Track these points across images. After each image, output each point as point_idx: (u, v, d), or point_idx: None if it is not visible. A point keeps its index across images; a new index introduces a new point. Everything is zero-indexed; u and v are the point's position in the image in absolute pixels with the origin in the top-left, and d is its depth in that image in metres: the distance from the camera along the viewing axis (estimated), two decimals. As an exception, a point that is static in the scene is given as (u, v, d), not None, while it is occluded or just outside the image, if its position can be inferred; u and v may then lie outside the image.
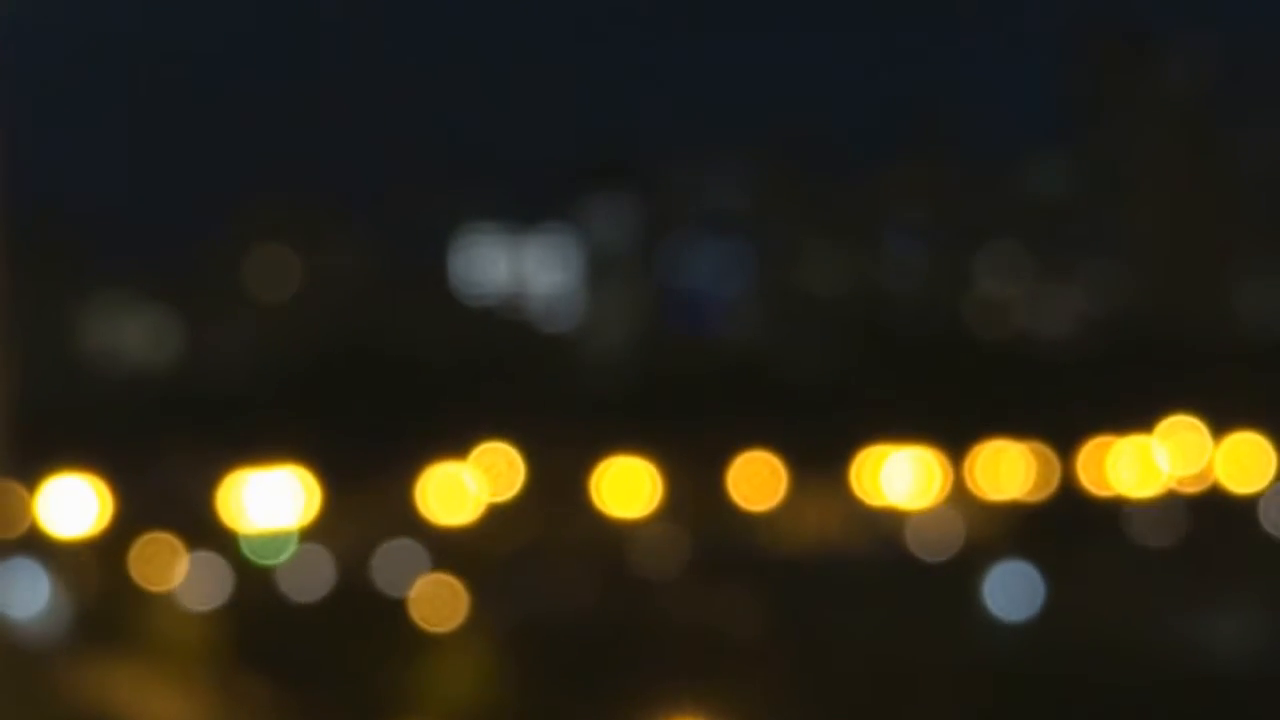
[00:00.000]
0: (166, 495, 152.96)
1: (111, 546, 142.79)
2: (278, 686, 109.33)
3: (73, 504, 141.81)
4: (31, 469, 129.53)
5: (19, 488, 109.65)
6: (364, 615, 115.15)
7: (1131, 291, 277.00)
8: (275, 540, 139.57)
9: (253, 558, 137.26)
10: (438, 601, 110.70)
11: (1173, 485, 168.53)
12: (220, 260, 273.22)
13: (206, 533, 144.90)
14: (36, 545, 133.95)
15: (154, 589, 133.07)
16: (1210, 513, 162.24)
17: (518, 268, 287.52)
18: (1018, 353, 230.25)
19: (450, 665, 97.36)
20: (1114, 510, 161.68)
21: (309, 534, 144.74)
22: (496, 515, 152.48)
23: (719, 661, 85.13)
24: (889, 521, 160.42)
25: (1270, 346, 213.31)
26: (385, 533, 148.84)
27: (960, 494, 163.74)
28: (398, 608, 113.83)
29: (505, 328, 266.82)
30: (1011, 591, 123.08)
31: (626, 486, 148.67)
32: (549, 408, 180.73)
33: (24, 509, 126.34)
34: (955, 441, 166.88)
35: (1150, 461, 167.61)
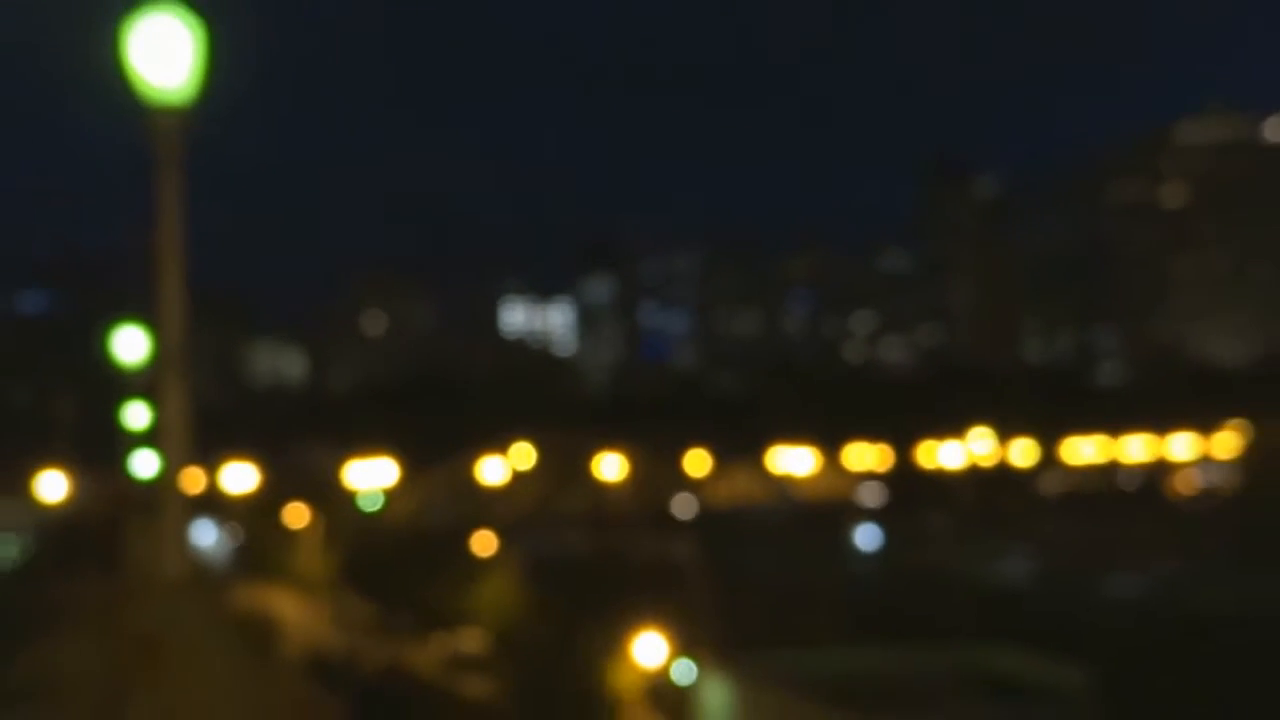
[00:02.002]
0: (298, 471, 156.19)
1: (261, 505, 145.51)
2: (373, 597, 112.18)
3: (239, 476, 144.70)
4: (212, 454, 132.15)
5: (200, 468, 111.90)
6: (429, 548, 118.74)
7: (949, 340, 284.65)
8: (373, 498, 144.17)
9: (363, 508, 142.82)
10: (484, 541, 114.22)
11: (974, 464, 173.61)
12: (336, 315, 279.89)
13: (329, 495, 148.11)
14: (212, 505, 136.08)
15: (290, 530, 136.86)
16: (999, 484, 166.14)
17: (539, 320, 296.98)
18: (873, 379, 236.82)
19: (490, 588, 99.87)
20: (935, 481, 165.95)
21: (392, 496, 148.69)
22: (521, 482, 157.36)
23: (670, 583, 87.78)
24: (785, 488, 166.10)
25: (1044, 378, 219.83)
26: (442, 496, 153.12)
27: (835, 471, 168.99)
28: (459, 536, 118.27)
29: (529, 359, 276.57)
30: (866, 537, 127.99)
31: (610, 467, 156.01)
32: (557, 413, 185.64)
33: (204, 481, 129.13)
34: (832, 438, 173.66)
35: (960, 450, 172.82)
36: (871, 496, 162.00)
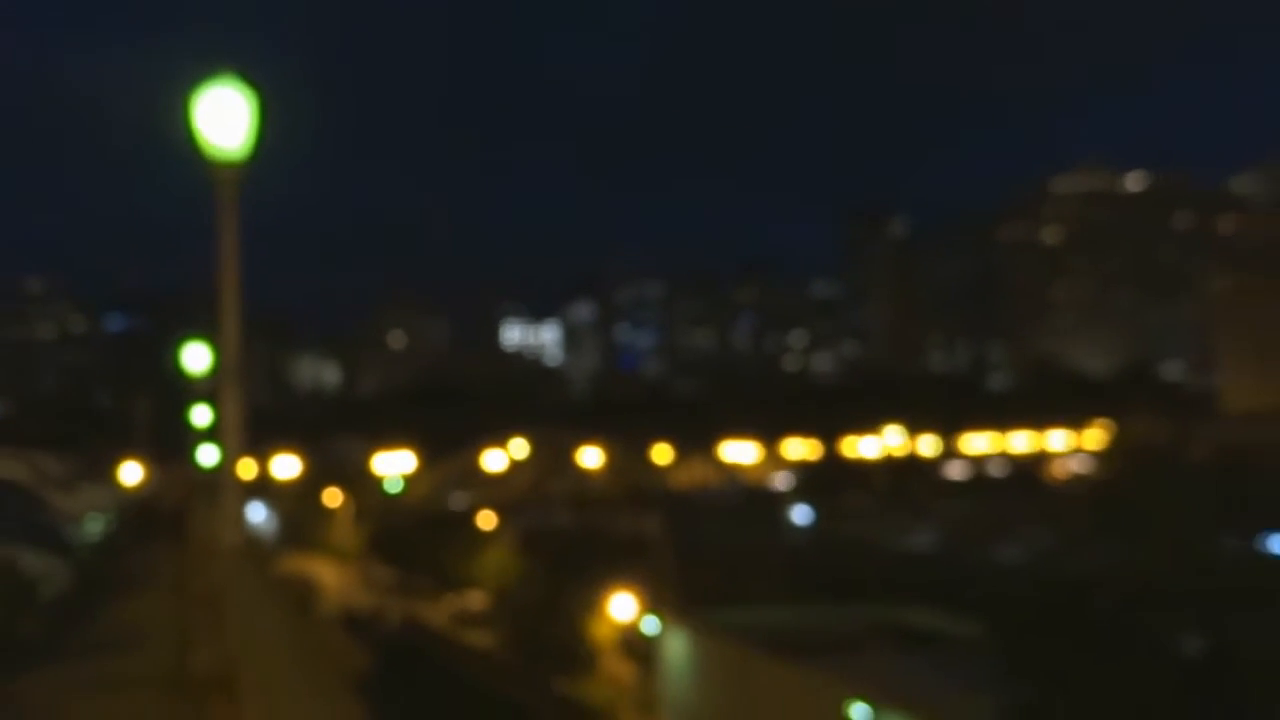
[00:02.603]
0: (333, 461, 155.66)
1: (303, 489, 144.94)
2: (395, 564, 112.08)
3: (285, 465, 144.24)
4: (263, 447, 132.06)
5: (253, 459, 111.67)
6: (441, 523, 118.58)
7: (868, 353, 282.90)
8: (395, 482, 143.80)
9: (387, 491, 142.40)
10: (486, 518, 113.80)
11: (888, 454, 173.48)
12: (365, 332, 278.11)
13: (359, 480, 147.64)
14: (263, 489, 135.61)
15: (327, 509, 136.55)
16: (909, 470, 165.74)
17: (532, 337, 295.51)
18: (805, 386, 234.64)
19: (490, 557, 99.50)
20: (856, 468, 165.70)
21: (411, 481, 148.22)
22: (517, 469, 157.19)
23: (640, 553, 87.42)
24: (734, 474, 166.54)
25: (945, 384, 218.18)
26: (452, 481, 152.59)
27: (774, 461, 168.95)
28: (461, 515, 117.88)
29: (524, 369, 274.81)
30: (800, 513, 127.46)
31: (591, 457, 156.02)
32: (547, 413, 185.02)
33: (256, 469, 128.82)
34: (772, 434, 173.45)
35: (876, 443, 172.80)
36: (784, 482, 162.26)
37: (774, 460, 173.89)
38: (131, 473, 75.24)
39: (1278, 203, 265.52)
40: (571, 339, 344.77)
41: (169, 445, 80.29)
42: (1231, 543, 36.21)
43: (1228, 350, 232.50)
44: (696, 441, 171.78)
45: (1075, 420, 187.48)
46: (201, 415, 50.36)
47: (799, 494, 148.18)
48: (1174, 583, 30.99)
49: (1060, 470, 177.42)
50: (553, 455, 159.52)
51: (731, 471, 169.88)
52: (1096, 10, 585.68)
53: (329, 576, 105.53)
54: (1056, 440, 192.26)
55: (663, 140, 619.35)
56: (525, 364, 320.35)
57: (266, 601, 13.09)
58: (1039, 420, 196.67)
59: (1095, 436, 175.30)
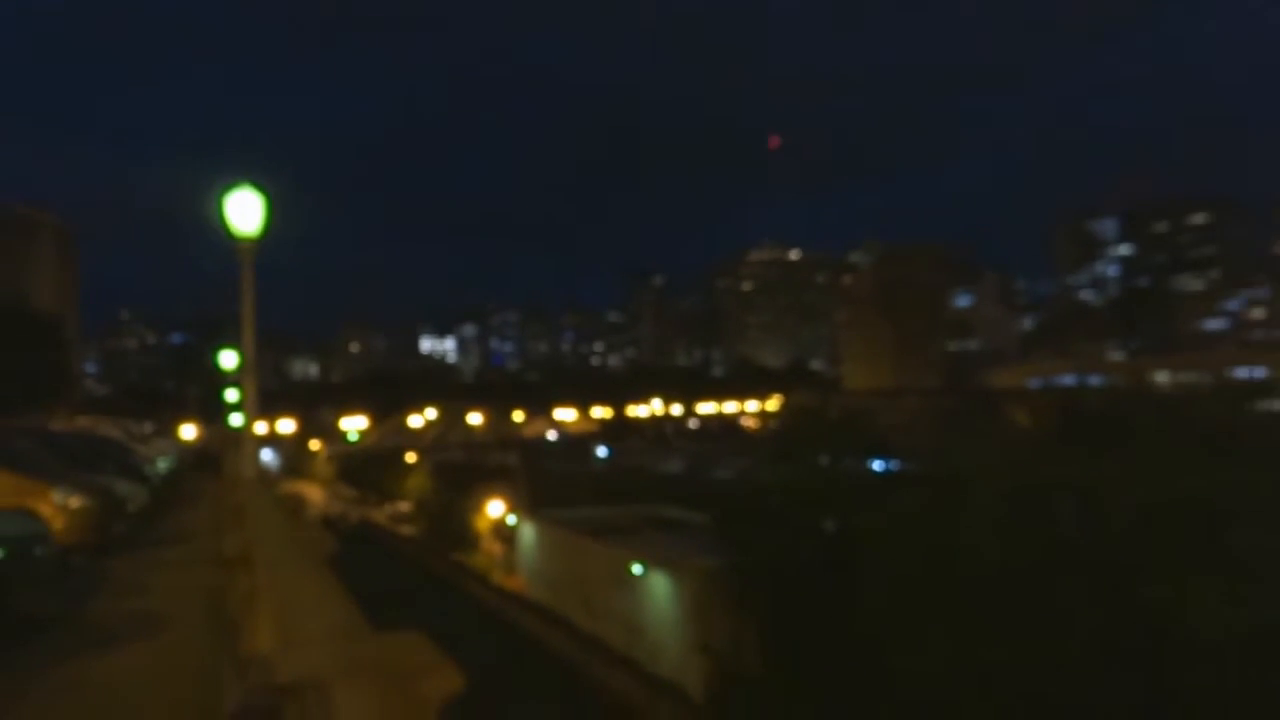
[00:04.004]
0: (316, 423, 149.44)
1: (297, 440, 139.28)
2: (354, 486, 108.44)
3: (286, 425, 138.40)
4: (271, 414, 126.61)
5: (265, 421, 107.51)
6: (383, 459, 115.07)
7: (641, 356, 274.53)
8: (354, 435, 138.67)
9: (349, 440, 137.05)
10: (411, 456, 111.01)
11: (653, 415, 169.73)
12: (335, 343, 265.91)
13: (332, 434, 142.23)
14: (273, 440, 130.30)
15: (312, 452, 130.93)
16: (666, 423, 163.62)
17: (439, 345, 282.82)
18: (604, 376, 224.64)
19: (413, 480, 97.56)
20: (634, 424, 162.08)
21: (364, 434, 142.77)
22: (430, 426, 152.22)
23: (506, 476, 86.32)
24: (563, 428, 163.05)
25: (687, 374, 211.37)
26: (390, 434, 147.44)
27: (586, 420, 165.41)
28: (395, 454, 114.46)
29: (434, 366, 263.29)
30: (602, 451, 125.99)
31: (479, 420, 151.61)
32: (448, 393, 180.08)
33: (268, 428, 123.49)
34: (585, 404, 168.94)
35: (646, 409, 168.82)
36: (553, 435, 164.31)
37: (586, 419, 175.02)
38: (188, 431, 73.89)
39: (873, 267, 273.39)
40: (462, 347, 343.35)
41: (212, 414, 79.31)
42: (851, 464, 37.16)
43: (847, 353, 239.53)
44: (538, 409, 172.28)
45: (762, 395, 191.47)
46: (231, 394, 48.88)
47: (600, 439, 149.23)
48: (818, 489, 31.48)
49: (751, 423, 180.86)
50: (451, 418, 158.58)
51: (560, 427, 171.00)
52: (780, 148, 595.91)
53: (313, 494, 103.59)
54: (751, 406, 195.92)
55: (515, 224, 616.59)
56: (434, 363, 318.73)
57: (272, 510, 12.80)
58: (741, 395, 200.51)
59: (773, 404, 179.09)
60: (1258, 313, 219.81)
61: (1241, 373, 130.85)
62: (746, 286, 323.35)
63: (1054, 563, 17.99)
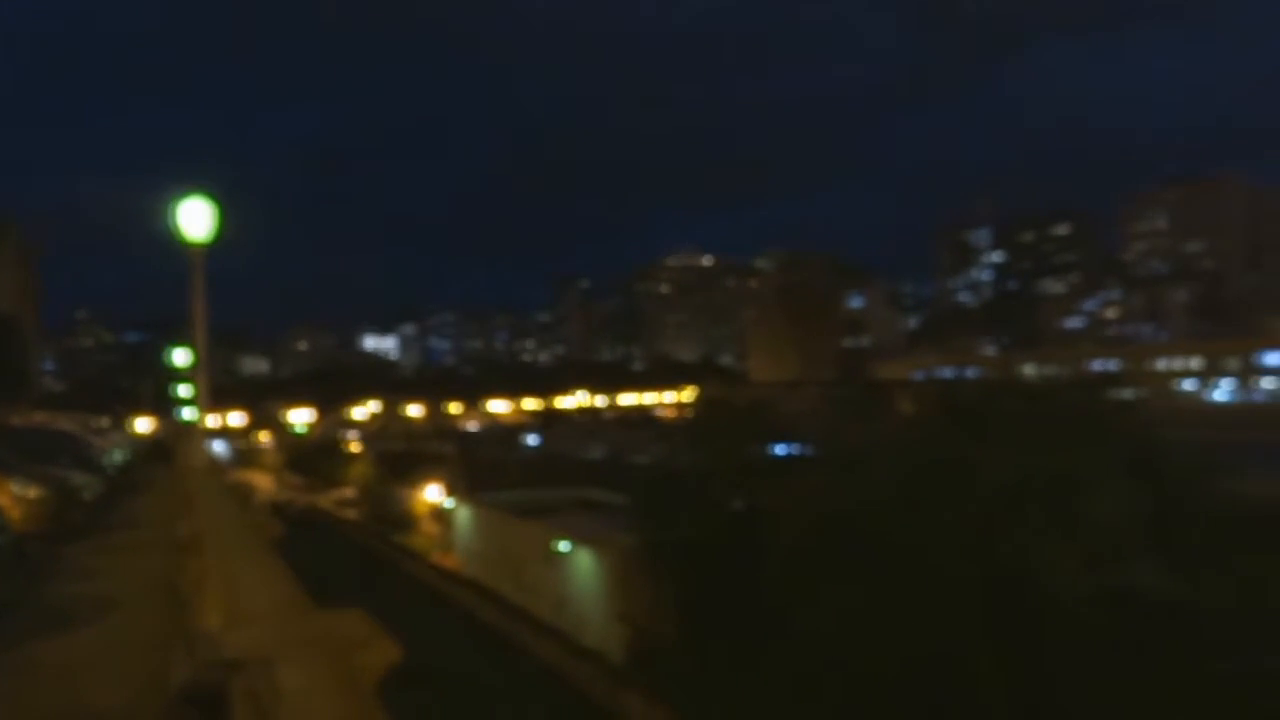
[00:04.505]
0: (265, 415, 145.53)
1: (247, 432, 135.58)
2: (300, 474, 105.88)
3: (236, 418, 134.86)
4: (222, 408, 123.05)
5: (216, 414, 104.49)
6: (328, 449, 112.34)
7: (568, 353, 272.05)
8: (302, 427, 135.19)
9: (297, 432, 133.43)
10: (355, 445, 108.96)
11: (579, 406, 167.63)
12: (283, 341, 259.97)
13: (280, 426, 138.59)
14: (224, 433, 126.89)
15: (261, 443, 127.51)
16: (589, 413, 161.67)
17: (381, 343, 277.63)
18: (534, 370, 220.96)
19: (357, 467, 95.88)
20: (562, 414, 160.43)
21: (311, 426, 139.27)
22: (372, 418, 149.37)
23: (443, 462, 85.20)
24: (495, 419, 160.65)
25: (607, 367, 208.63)
26: (335, 426, 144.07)
27: (519, 411, 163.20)
28: (340, 444, 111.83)
29: (376, 362, 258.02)
30: (532, 439, 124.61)
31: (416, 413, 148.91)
32: (389, 387, 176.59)
33: (219, 421, 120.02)
34: (516, 397, 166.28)
35: (572, 400, 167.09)
36: (468, 427, 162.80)
37: (518, 410, 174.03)
38: (142, 425, 71.61)
39: (776, 272, 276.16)
40: (404, 344, 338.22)
41: (165, 408, 77.00)
42: (756, 449, 37.49)
43: (753, 349, 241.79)
44: (473, 402, 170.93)
45: (677, 387, 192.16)
46: (184, 390, 47.54)
47: (531, 428, 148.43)
48: (727, 471, 31.70)
49: (667, 413, 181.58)
50: (393, 410, 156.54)
51: (493, 418, 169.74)
52: (696, 164, 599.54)
53: (262, 482, 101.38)
54: (668, 397, 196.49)
55: (452, 233, 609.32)
56: (377, 359, 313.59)
57: (221, 497, 12.51)
58: (659, 387, 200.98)
59: (688, 395, 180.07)
60: (1111, 312, 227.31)
61: (1097, 365, 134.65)
62: (664, 289, 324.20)
63: (931, 531, 18.43)
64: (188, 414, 48.00)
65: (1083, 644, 16.63)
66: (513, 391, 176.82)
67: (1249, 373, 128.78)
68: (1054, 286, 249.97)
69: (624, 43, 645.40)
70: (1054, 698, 17.34)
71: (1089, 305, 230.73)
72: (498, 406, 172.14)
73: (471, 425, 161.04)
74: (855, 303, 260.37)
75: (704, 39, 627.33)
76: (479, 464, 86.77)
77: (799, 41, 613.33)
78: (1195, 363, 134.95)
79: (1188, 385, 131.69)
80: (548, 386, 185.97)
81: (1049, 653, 17.19)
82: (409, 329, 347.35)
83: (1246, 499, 18.34)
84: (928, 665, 18.78)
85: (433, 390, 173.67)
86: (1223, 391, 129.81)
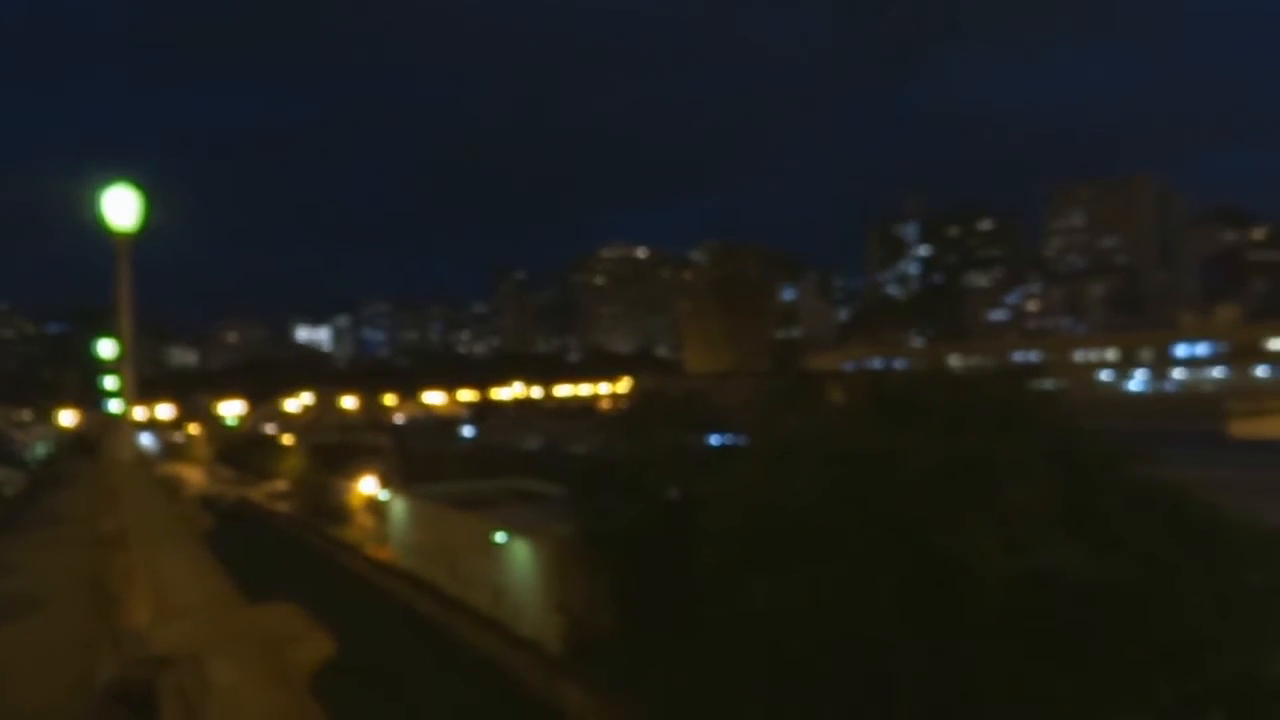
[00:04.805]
0: (195, 407, 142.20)
1: (176, 424, 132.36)
2: (232, 467, 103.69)
3: (164, 411, 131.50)
4: (150, 400, 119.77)
5: (144, 407, 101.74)
6: (260, 442, 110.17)
7: (505, 344, 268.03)
8: (232, 419, 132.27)
9: (228, 424, 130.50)
10: (287, 437, 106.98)
11: (515, 398, 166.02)
12: (213, 331, 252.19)
13: (210, 418, 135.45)
14: (151, 426, 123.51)
15: (191, 435, 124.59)
16: (526, 405, 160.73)
17: (314, 335, 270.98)
18: (470, 362, 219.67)
19: (290, 459, 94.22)
20: (498, 406, 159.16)
21: (242, 419, 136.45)
22: (306, 411, 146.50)
23: (378, 454, 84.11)
24: (430, 410, 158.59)
25: (543, 359, 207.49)
26: (267, 418, 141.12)
27: (454, 402, 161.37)
28: (273, 438, 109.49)
29: (309, 354, 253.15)
30: (468, 430, 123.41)
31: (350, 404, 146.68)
32: (322, 379, 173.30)
33: (146, 414, 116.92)
34: (452, 388, 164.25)
35: (508, 392, 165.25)
36: (402, 419, 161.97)
37: (454, 401, 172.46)
38: (67, 418, 69.51)
39: (710, 264, 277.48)
40: (337, 336, 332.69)
41: (90, 400, 74.77)
42: (692, 439, 37.52)
43: (688, 340, 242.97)
44: (408, 393, 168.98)
45: (613, 378, 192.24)
46: (110, 382, 46.24)
47: (467, 420, 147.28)
48: (663, 462, 31.77)
49: (607, 404, 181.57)
50: (326, 401, 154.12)
51: (428, 409, 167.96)
52: (628, 162, 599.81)
53: (192, 475, 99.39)
54: (604, 388, 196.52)
55: (388, 225, 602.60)
56: (309, 351, 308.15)
57: (149, 491, 12.18)
58: (594, 378, 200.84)
59: (623, 386, 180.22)
60: (1032, 306, 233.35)
61: (1019, 357, 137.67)
62: (599, 281, 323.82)
63: (859, 518, 18.69)
64: (113, 406, 46.72)
65: (1003, 625, 16.99)
66: (448, 383, 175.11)
67: (1161, 364, 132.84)
68: (978, 280, 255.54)
69: (559, 40, 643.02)
70: (973, 678, 17.72)
71: (1011, 299, 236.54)
72: (433, 398, 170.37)
73: (400, 418, 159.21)
74: (788, 295, 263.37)
75: (639, 36, 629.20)
76: (414, 456, 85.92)
77: (732, 38, 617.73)
78: (1111, 354, 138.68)
79: (1105, 376, 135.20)
80: (483, 378, 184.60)
81: (970, 634, 17.54)
82: (342, 320, 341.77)
83: (1157, 484, 18.91)
84: (855, 649, 19.08)
85: (367, 382, 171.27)
86: (1137, 382, 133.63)
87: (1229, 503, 18.89)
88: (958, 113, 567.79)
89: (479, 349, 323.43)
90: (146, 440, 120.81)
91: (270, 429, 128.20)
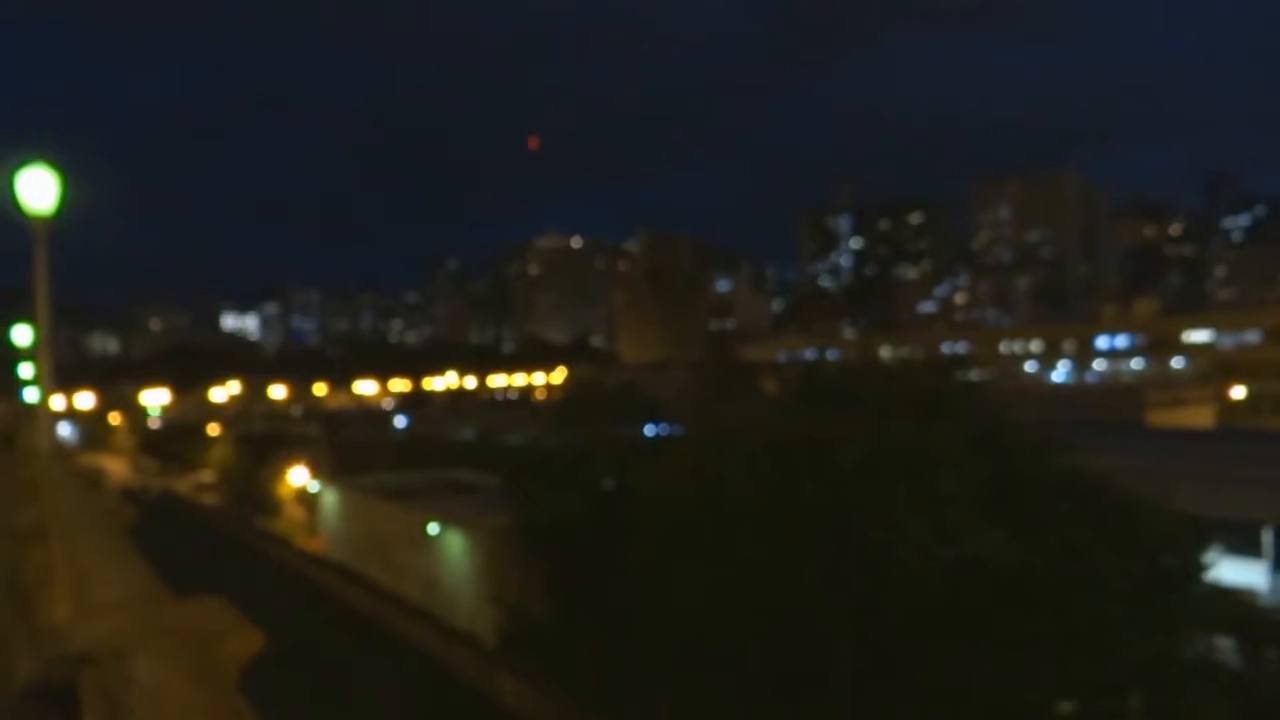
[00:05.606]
0: (116, 397, 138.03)
1: (96, 414, 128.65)
2: (156, 458, 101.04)
3: (83, 400, 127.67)
4: (69, 389, 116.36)
5: (63, 395, 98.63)
6: (185, 431, 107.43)
7: (436, 333, 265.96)
8: (156, 409, 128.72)
9: (149, 412, 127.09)
10: (213, 428, 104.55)
11: (449, 388, 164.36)
12: (136, 317, 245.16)
13: (132, 408, 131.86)
14: (71, 415, 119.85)
15: (112, 426, 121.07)
16: (461, 395, 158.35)
17: (242, 322, 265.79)
18: (402, 351, 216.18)
19: (216, 450, 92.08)
20: (430, 397, 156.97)
21: (166, 408, 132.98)
22: (233, 401, 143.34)
23: (308, 444, 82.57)
24: (362, 400, 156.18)
25: (478, 350, 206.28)
26: (192, 408, 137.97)
27: (386, 392, 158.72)
28: (203, 430, 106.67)
29: (236, 342, 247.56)
30: (400, 420, 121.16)
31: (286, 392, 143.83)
32: (251, 369, 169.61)
33: (65, 403, 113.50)
34: (384, 378, 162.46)
35: (442, 382, 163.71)
36: (389, 404, 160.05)
37: (386, 392, 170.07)
38: (-22, 407, 67.37)
39: (644, 254, 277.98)
40: (266, 324, 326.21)
41: (4, 389, 72.39)
42: (628, 430, 37.44)
43: (623, 330, 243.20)
44: (340, 382, 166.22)
45: (548, 368, 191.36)
46: (26, 370, 44.74)
47: (399, 410, 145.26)
48: (598, 451, 31.74)
49: (544, 395, 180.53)
50: (254, 391, 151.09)
51: (360, 399, 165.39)
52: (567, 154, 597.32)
53: (114, 467, 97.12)
54: (539, 379, 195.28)
55: (319, 212, 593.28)
56: (237, 339, 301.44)
57: (68, 483, 11.80)
58: (529, 368, 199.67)
59: (558, 376, 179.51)
60: (960, 298, 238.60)
61: (948, 348, 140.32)
62: (533, 270, 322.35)
63: (793, 506, 18.92)
64: (30, 395, 45.27)
65: (930, 609, 17.35)
66: (380, 373, 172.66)
67: (1084, 355, 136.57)
68: (909, 273, 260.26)
69: (490, 30, 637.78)
70: (901, 662, 18.11)
71: (940, 291, 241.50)
72: (365, 388, 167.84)
73: (339, 407, 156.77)
74: (722, 286, 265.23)
75: (574, 27, 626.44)
76: (345, 446, 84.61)
77: (666, 29, 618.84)
78: (1036, 346, 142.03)
79: (1030, 367, 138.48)
80: (417, 368, 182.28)
81: (899, 619, 17.90)
82: (271, 308, 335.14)
83: (1078, 472, 19.44)
84: (787, 635, 19.37)
85: (297, 371, 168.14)
86: (1060, 373, 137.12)
87: (1147, 490, 19.44)
88: (890, 106, 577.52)
89: (411, 338, 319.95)
90: (66, 431, 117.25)
91: (197, 418, 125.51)
